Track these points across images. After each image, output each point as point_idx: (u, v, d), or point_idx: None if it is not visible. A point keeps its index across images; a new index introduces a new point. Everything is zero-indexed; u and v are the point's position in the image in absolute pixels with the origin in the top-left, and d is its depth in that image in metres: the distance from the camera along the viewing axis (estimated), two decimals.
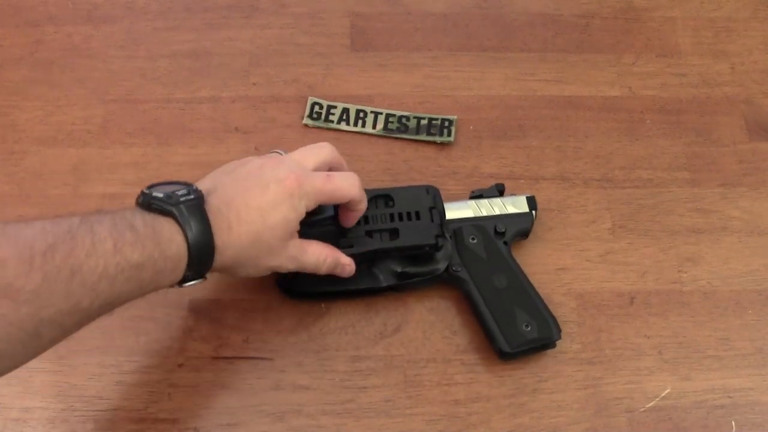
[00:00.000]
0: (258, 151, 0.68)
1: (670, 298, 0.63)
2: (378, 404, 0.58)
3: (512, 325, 0.59)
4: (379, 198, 0.60)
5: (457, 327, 0.61)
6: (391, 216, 0.59)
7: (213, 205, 0.50)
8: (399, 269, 0.60)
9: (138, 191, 0.66)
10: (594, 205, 0.67)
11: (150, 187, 0.50)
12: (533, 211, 0.64)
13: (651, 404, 0.59)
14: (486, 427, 0.58)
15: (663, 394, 0.59)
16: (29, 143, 0.68)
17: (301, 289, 0.61)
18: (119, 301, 0.47)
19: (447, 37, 0.75)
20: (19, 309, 0.41)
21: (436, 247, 0.59)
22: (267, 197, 0.52)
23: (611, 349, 0.61)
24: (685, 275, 0.64)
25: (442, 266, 0.60)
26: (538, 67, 0.74)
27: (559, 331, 0.59)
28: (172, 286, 0.50)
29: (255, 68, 0.72)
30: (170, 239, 0.48)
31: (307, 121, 0.70)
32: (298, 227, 0.54)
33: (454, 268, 0.61)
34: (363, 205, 0.57)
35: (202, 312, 0.61)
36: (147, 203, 0.49)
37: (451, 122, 0.70)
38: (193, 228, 0.48)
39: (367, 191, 0.60)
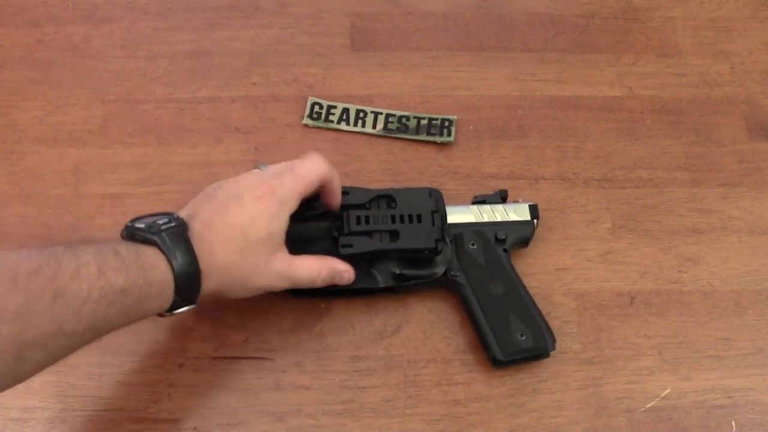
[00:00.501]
0: (258, 152, 0.68)
1: (670, 298, 0.63)
2: (378, 404, 0.58)
3: (507, 334, 0.59)
4: (381, 198, 0.60)
5: (457, 327, 0.61)
6: (393, 217, 0.59)
7: (195, 231, 0.51)
8: (397, 271, 0.60)
9: (139, 191, 0.66)
10: (594, 205, 0.67)
11: (133, 220, 0.52)
12: (535, 220, 0.63)
13: (651, 404, 0.59)
14: (486, 427, 0.58)
15: (663, 394, 0.59)
16: (29, 143, 0.68)
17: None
18: (105, 327, 0.47)
19: (447, 37, 0.75)
20: (1, 329, 0.41)
21: (436, 251, 0.59)
22: (245, 213, 0.52)
23: (611, 349, 0.61)
24: (685, 275, 0.64)
25: (440, 270, 0.60)
26: (538, 67, 0.74)
27: (554, 341, 0.59)
28: (162, 314, 0.51)
29: (255, 68, 0.72)
30: (154, 266, 0.48)
31: (307, 121, 0.70)
32: (283, 239, 0.54)
33: (452, 273, 0.60)
34: (336, 181, 0.57)
35: (202, 312, 0.61)
36: (131, 234, 0.50)
37: (451, 122, 0.70)
38: (177, 255, 0.49)
39: (369, 191, 0.60)
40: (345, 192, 0.59)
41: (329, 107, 0.70)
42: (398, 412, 0.58)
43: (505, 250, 0.62)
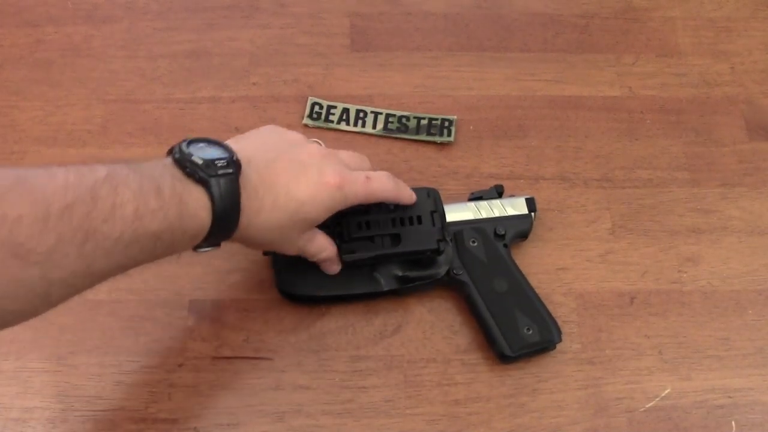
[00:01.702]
0: None
1: (670, 298, 0.63)
2: (378, 404, 0.58)
3: (513, 329, 0.59)
4: (380, 202, 0.60)
5: (457, 327, 0.61)
6: (393, 221, 0.59)
7: (250, 183, 0.49)
8: (400, 273, 0.60)
9: None
10: (594, 205, 0.67)
11: (189, 142, 0.48)
12: (532, 213, 0.64)
13: (651, 404, 0.59)
14: (486, 427, 0.58)
15: (663, 394, 0.59)
16: (29, 143, 0.68)
17: (301, 294, 0.61)
18: (132, 265, 0.45)
19: (447, 37, 0.75)
20: (28, 270, 0.39)
21: (438, 252, 0.59)
22: (308, 191, 0.51)
23: (611, 349, 0.61)
24: (685, 275, 0.64)
25: (443, 270, 0.60)
26: (538, 67, 0.74)
27: (560, 333, 0.59)
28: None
29: (255, 68, 0.72)
30: (194, 214, 0.46)
31: (307, 121, 0.70)
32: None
33: (455, 272, 0.61)
34: (403, 200, 0.58)
35: (202, 312, 0.61)
36: (182, 163, 0.47)
37: (451, 122, 0.70)
38: (224, 205, 0.46)
39: None
40: None
41: (329, 107, 0.70)
42: (398, 412, 0.58)
43: (505, 245, 0.62)
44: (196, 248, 0.49)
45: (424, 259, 0.60)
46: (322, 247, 0.56)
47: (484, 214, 0.63)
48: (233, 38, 0.74)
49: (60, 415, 0.57)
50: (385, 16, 0.76)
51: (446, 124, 0.70)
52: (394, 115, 0.70)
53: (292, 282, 0.60)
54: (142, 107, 0.70)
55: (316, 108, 0.70)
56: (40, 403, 0.57)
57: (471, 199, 0.64)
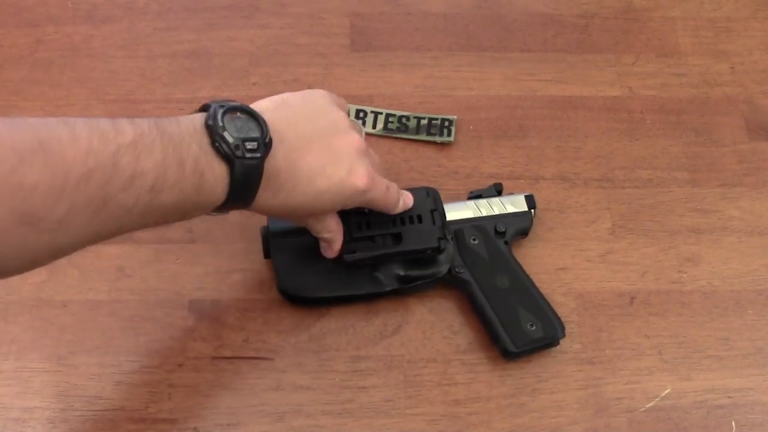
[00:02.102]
0: None
1: (670, 298, 0.63)
2: (378, 404, 0.58)
3: (517, 325, 0.59)
4: None
5: (457, 327, 0.61)
6: (393, 220, 0.59)
7: (275, 165, 0.48)
8: (402, 273, 0.60)
9: None
10: (594, 205, 0.67)
11: (224, 111, 0.46)
12: (532, 210, 0.64)
13: (651, 404, 0.59)
14: (486, 427, 0.58)
15: (663, 394, 0.59)
16: None
17: (303, 295, 0.61)
18: (138, 228, 0.45)
19: (447, 37, 0.75)
20: (37, 237, 0.39)
21: (439, 250, 0.59)
22: (331, 184, 0.50)
23: (611, 349, 0.61)
24: (685, 275, 0.64)
25: (444, 268, 0.60)
26: (538, 67, 0.74)
27: (563, 329, 0.59)
28: None
29: (255, 68, 0.72)
30: (211, 190, 0.45)
31: None
32: None
33: (456, 270, 0.61)
34: (396, 212, 0.58)
35: (202, 312, 0.61)
36: (212, 134, 0.45)
37: (451, 122, 0.70)
38: (242, 186, 0.46)
39: None
40: None
41: None
42: (398, 412, 0.58)
43: (506, 243, 0.62)
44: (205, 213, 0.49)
45: (425, 257, 0.60)
46: (328, 228, 0.56)
47: (484, 212, 0.63)
48: (233, 38, 0.74)
49: (60, 415, 0.57)
50: (385, 16, 0.76)
51: (446, 124, 0.70)
52: (394, 115, 0.70)
53: (294, 284, 0.60)
54: (142, 107, 0.70)
55: None
56: (40, 403, 0.57)
57: (470, 198, 0.64)
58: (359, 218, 0.58)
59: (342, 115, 0.54)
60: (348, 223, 0.58)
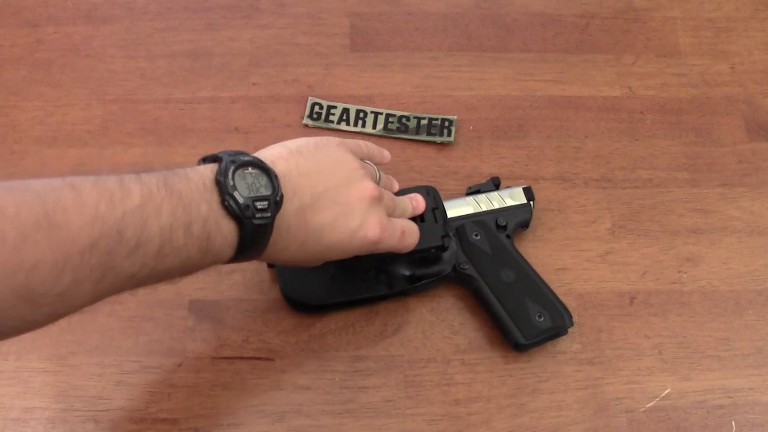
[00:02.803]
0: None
1: (670, 298, 0.63)
2: (378, 404, 0.58)
3: (525, 318, 0.59)
4: None
5: (457, 327, 0.61)
6: None
7: (286, 221, 0.47)
8: (407, 273, 0.60)
9: None
10: (594, 205, 0.67)
11: (236, 167, 0.45)
12: (531, 202, 0.64)
13: (651, 404, 0.59)
14: (486, 427, 0.58)
15: (663, 394, 0.59)
16: (29, 143, 0.68)
17: (310, 303, 0.60)
18: (136, 287, 0.44)
19: (447, 37, 0.75)
20: (38, 311, 0.38)
21: (443, 248, 0.59)
22: (342, 239, 0.49)
23: (611, 349, 0.61)
24: (685, 275, 0.64)
25: (449, 266, 0.61)
26: (538, 67, 0.74)
27: (571, 317, 0.60)
28: None
29: (255, 68, 0.72)
30: (219, 252, 0.44)
31: (307, 121, 0.70)
32: None
33: (461, 266, 0.61)
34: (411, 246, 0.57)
35: (202, 312, 0.61)
36: (222, 192, 0.44)
37: (451, 122, 0.70)
38: (250, 246, 0.45)
39: None
40: None
41: (329, 107, 0.70)
42: (398, 412, 0.58)
43: (507, 236, 0.62)
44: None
45: (429, 257, 0.60)
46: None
47: (484, 207, 0.63)
48: (233, 38, 0.74)
49: (60, 415, 0.57)
50: (385, 16, 0.76)
51: (446, 124, 0.70)
52: (394, 115, 0.70)
53: (300, 292, 0.60)
54: (142, 107, 0.70)
55: (316, 108, 0.70)
56: (40, 403, 0.57)
57: (469, 194, 0.64)
58: None
59: (356, 164, 0.52)
60: None
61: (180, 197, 0.42)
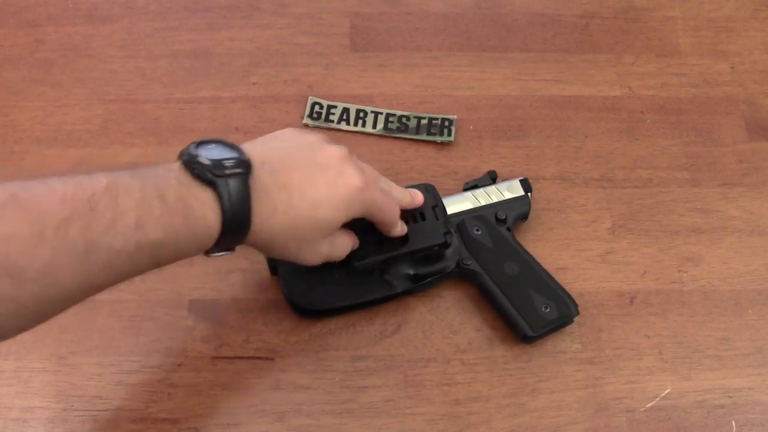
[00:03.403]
0: None
1: (670, 297, 0.63)
2: (378, 404, 0.58)
3: (532, 309, 0.59)
4: None
5: (457, 327, 0.61)
6: None
7: (262, 182, 0.47)
8: (412, 272, 0.60)
9: None
10: (594, 204, 0.67)
11: (197, 144, 0.46)
12: (528, 193, 0.64)
13: (651, 404, 0.59)
14: (486, 427, 0.58)
15: (663, 394, 0.59)
16: (29, 143, 0.68)
17: (316, 308, 0.60)
18: (135, 273, 0.44)
19: (447, 37, 0.75)
20: (23, 287, 0.38)
21: (446, 245, 0.59)
22: (325, 191, 0.49)
23: (611, 349, 0.61)
24: (685, 275, 0.64)
25: (452, 263, 0.61)
26: (538, 67, 0.74)
27: (576, 306, 0.60)
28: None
29: (255, 68, 0.72)
30: (202, 216, 0.44)
31: (307, 120, 0.70)
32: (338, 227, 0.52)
33: (464, 262, 0.61)
34: (395, 232, 0.57)
35: (202, 312, 0.61)
36: (190, 164, 0.45)
37: (451, 122, 0.70)
38: (233, 206, 0.45)
39: None
40: None
41: (329, 107, 0.70)
42: (398, 412, 0.58)
43: (508, 229, 0.63)
44: (208, 253, 0.48)
45: (432, 254, 0.60)
46: (346, 246, 0.55)
47: (482, 202, 0.63)
48: (233, 38, 0.74)
49: (60, 415, 0.57)
50: (385, 16, 0.76)
51: (446, 123, 0.70)
52: (394, 115, 0.70)
53: (305, 298, 0.59)
54: (142, 107, 0.70)
55: (316, 108, 0.70)
56: (40, 403, 0.57)
57: (466, 189, 0.64)
58: (363, 222, 0.58)
59: (315, 134, 0.53)
60: (353, 230, 0.58)
61: (147, 177, 0.44)
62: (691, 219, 0.67)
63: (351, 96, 0.71)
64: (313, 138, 0.53)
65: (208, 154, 0.45)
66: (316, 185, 0.49)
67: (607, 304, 0.63)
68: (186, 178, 0.45)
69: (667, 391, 0.60)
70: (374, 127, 0.70)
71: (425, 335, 0.61)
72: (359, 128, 0.70)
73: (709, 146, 0.70)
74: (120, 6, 0.75)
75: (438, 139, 0.69)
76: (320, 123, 0.70)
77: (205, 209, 0.45)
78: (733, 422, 0.59)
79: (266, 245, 0.50)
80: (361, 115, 0.70)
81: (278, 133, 0.54)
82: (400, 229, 0.57)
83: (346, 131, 0.70)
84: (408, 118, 0.70)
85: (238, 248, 0.50)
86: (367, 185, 0.51)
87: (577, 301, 0.62)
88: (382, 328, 0.61)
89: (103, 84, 0.71)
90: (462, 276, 0.62)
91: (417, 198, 0.59)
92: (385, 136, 0.70)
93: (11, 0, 0.75)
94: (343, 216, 0.51)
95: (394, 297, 0.61)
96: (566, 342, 0.61)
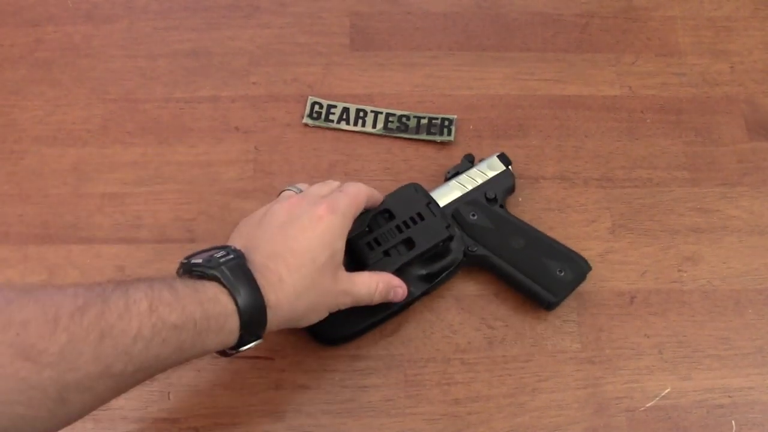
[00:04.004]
0: (258, 151, 0.68)
1: (670, 297, 0.63)
2: (378, 404, 0.58)
3: (549, 276, 0.60)
4: (378, 216, 0.60)
5: (457, 326, 0.61)
6: (398, 228, 0.59)
7: (257, 262, 0.49)
8: (423, 272, 0.60)
9: (138, 191, 0.66)
10: (594, 204, 0.67)
11: (188, 257, 0.50)
12: (509, 166, 0.65)
13: (651, 404, 0.59)
14: (486, 427, 0.58)
15: (663, 394, 0.59)
16: (29, 143, 0.68)
17: (341, 335, 0.59)
18: (158, 365, 0.45)
19: (447, 37, 0.75)
20: (41, 372, 0.39)
21: (450, 238, 0.59)
22: (309, 236, 0.51)
23: (611, 349, 0.61)
24: (685, 275, 0.64)
25: (459, 253, 0.61)
26: (538, 67, 0.74)
27: (586, 262, 0.61)
28: (227, 352, 0.49)
29: (255, 68, 0.72)
30: (214, 299, 0.46)
31: (307, 120, 0.70)
32: (342, 257, 0.53)
33: (471, 249, 0.61)
34: (376, 200, 0.59)
35: None
36: (188, 270, 0.48)
37: (451, 121, 0.70)
38: (240, 288, 0.47)
39: (364, 215, 0.58)
40: None
41: (329, 107, 0.70)
42: (398, 412, 0.58)
43: (501, 206, 0.63)
44: (239, 345, 0.48)
45: (439, 251, 0.60)
46: (371, 284, 0.55)
47: (469, 186, 0.64)
48: (233, 38, 0.74)
49: None
50: (385, 15, 0.76)
51: (446, 123, 0.70)
52: (394, 115, 0.70)
53: (326, 325, 0.56)
54: (142, 107, 0.70)
55: (316, 107, 0.70)
56: None
57: (449, 179, 0.65)
58: (366, 239, 0.58)
59: (264, 207, 0.55)
60: (360, 251, 0.58)
61: (153, 279, 0.46)
62: (691, 219, 0.67)
63: (351, 95, 0.71)
64: (261, 210, 0.55)
65: (198, 257, 0.49)
66: (296, 237, 0.51)
67: (607, 304, 0.63)
68: (186, 279, 0.48)
69: (667, 391, 0.60)
70: (374, 126, 0.70)
71: (425, 335, 0.61)
72: (359, 128, 0.70)
73: (709, 146, 0.70)
74: (120, 6, 0.75)
75: (438, 138, 0.69)
76: (320, 122, 0.70)
77: (216, 293, 0.47)
78: (733, 422, 0.59)
79: (295, 315, 0.51)
80: (361, 114, 0.70)
81: (239, 225, 0.56)
82: (377, 198, 0.59)
83: (345, 131, 0.70)
84: (408, 117, 0.70)
85: None
86: (332, 204, 0.53)
87: (577, 301, 0.62)
88: (381, 328, 0.61)
89: (103, 83, 0.71)
90: (472, 263, 0.62)
91: (357, 191, 0.57)
92: (385, 136, 0.70)
93: (11, 0, 0.75)
94: (339, 241, 0.53)
95: (413, 302, 0.60)
96: (566, 342, 0.61)
